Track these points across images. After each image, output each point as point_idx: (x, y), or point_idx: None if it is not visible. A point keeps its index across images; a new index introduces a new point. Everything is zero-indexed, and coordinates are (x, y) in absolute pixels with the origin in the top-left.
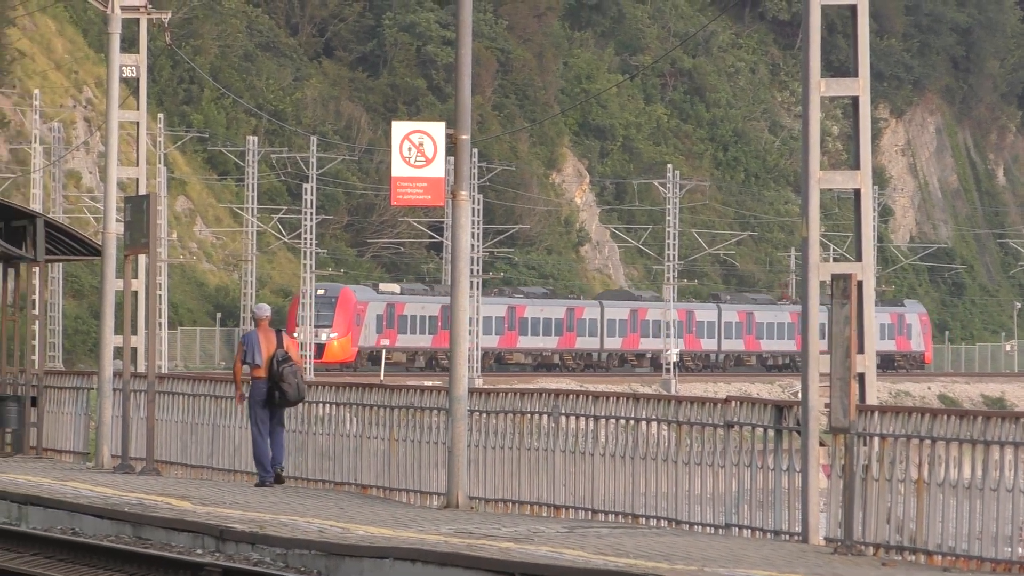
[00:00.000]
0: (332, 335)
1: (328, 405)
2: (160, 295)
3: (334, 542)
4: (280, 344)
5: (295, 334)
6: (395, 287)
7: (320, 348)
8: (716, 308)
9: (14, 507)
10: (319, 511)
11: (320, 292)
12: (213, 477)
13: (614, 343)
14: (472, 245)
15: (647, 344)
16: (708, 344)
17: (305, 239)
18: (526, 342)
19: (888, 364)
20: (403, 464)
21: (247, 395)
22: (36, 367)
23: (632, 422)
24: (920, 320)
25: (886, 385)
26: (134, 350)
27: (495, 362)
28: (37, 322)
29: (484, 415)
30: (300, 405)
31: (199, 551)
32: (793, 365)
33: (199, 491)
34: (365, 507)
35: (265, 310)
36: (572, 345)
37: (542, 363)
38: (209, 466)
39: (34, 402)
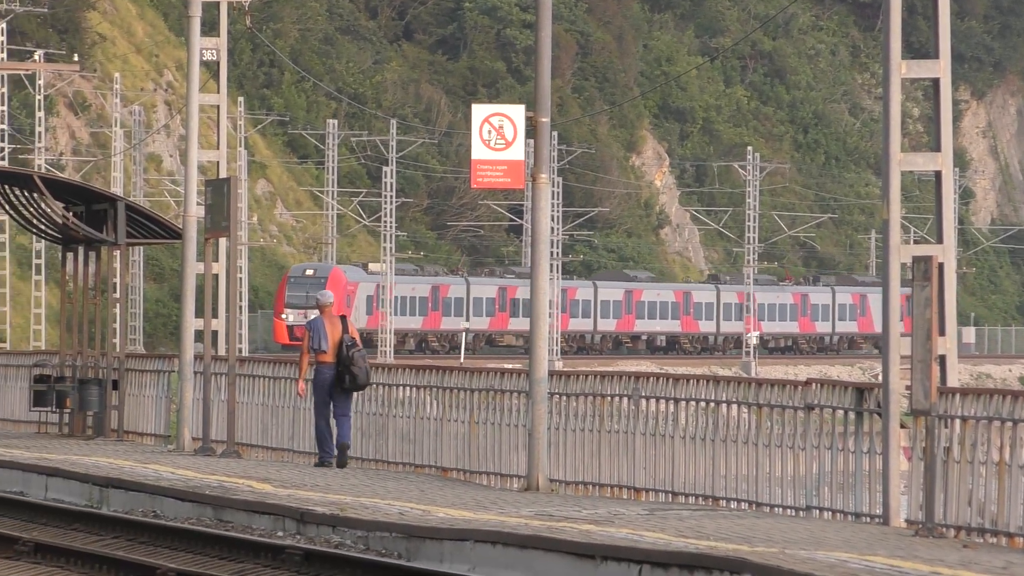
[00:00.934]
0: None
1: (408, 388)
2: (240, 278)
3: (415, 524)
4: (346, 330)
5: (283, 316)
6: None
7: None
8: (715, 289)
9: (96, 490)
10: (400, 493)
11: (309, 272)
12: (294, 460)
13: (608, 325)
14: (552, 228)
15: (643, 326)
16: (706, 326)
17: (385, 222)
18: (517, 324)
19: None
20: (483, 447)
21: (309, 380)
22: (117, 350)
23: (712, 404)
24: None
25: (967, 367)
26: (215, 333)
27: (486, 344)
28: (118, 305)
29: (564, 398)
30: (380, 388)
31: (280, 533)
32: (796, 348)
33: (280, 473)
34: (446, 489)
35: (329, 297)
36: (565, 327)
37: (525, 346)
38: (290, 448)
39: (115, 385)
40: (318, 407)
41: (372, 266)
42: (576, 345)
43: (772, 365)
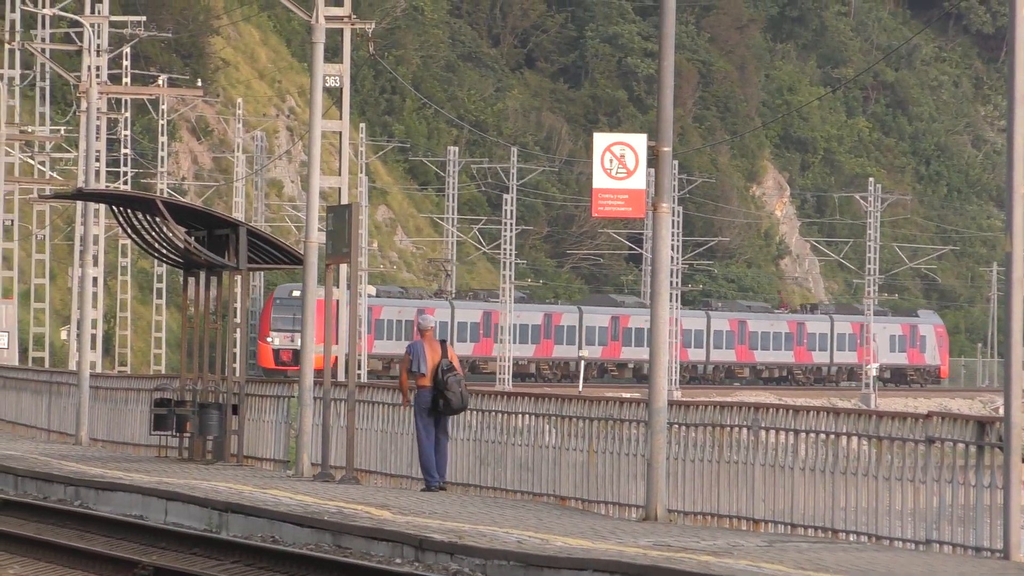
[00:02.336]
0: None
1: (527, 416)
2: (361, 304)
3: (532, 553)
4: (444, 354)
5: (268, 339)
6: (372, 289)
7: (296, 355)
8: (705, 316)
9: (215, 514)
10: (517, 522)
11: (296, 293)
12: (412, 487)
13: (594, 352)
14: (672, 257)
15: (629, 353)
16: (696, 354)
17: (505, 250)
18: (500, 350)
19: (900, 379)
20: (601, 475)
21: (412, 402)
22: (237, 375)
23: (832, 436)
24: (935, 332)
25: None
26: (335, 359)
27: (471, 371)
28: (238, 330)
29: (683, 428)
30: (499, 416)
31: (398, 560)
32: (791, 378)
33: (398, 500)
34: (563, 518)
35: (430, 321)
36: (549, 354)
37: (516, 372)
38: (408, 475)
39: (235, 410)
40: (421, 430)
41: (369, 288)
42: (560, 373)
43: (891, 398)
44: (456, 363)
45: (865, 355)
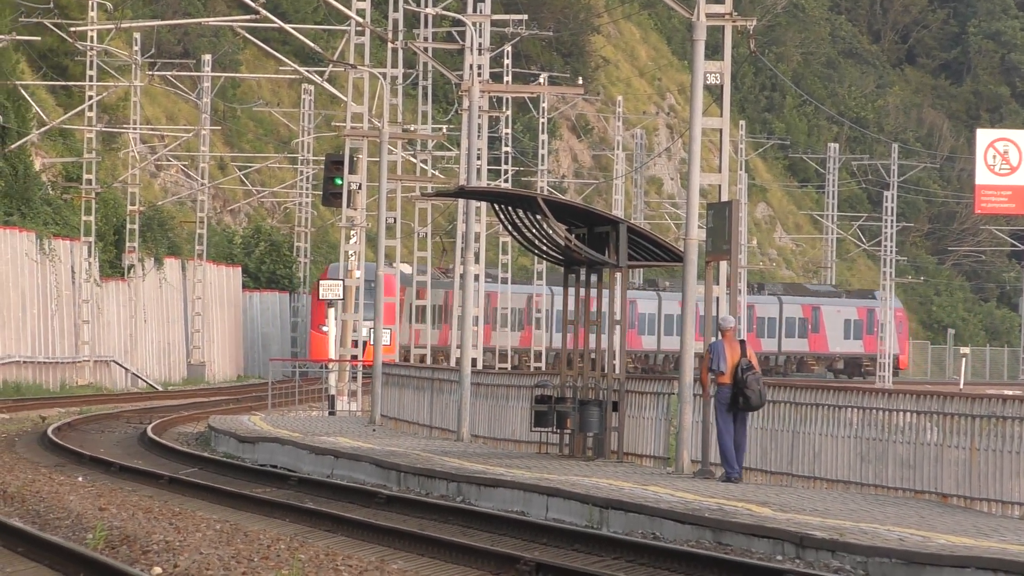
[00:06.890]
0: None
1: (908, 413)
2: (740, 301)
3: (914, 551)
4: (744, 354)
5: (324, 327)
6: (405, 267)
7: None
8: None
9: (596, 511)
10: (899, 519)
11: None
12: (792, 484)
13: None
14: None
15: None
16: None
17: (885, 247)
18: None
19: (855, 369)
20: (983, 473)
21: (713, 396)
22: (617, 372)
23: None
24: (895, 316)
25: None
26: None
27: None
28: (618, 327)
29: None
30: (880, 413)
31: (779, 557)
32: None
33: (779, 497)
34: (945, 516)
35: (730, 321)
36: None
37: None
38: (788, 472)
39: (615, 406)
40: (721, 425)
41: (403, 266)
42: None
43: None
44: (755, 362)
45: None
